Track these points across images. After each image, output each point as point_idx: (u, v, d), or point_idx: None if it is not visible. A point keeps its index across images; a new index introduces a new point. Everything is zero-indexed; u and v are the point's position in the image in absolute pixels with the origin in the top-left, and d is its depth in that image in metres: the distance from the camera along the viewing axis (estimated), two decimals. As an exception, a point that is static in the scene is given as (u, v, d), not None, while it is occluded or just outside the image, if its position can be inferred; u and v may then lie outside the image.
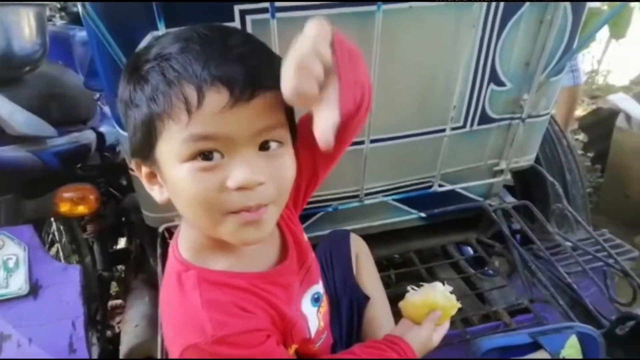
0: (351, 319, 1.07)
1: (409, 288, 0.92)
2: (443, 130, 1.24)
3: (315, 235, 1.24)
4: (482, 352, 1.04)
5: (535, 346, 1.03)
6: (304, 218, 1.27)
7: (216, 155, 0.58)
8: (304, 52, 0.51)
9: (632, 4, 2.00)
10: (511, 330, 1.24)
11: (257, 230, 0.63)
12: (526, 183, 1.64)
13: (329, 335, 0.95)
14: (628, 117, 2.52)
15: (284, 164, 0.64)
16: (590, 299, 1.21)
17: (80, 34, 2.06)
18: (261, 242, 0.69)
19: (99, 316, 1.54)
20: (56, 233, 1.69)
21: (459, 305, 0.90)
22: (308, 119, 0.70)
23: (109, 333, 1.70)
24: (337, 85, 0.55)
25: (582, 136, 3.00)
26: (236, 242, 0.65)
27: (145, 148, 0.62)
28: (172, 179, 0.61)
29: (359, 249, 1.18)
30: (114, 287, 1.96)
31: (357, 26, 1.01)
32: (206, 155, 0.58)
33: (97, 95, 2.02)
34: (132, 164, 0.69)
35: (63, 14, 2.37)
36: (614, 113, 2.59)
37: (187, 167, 0.58)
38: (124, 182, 1.80)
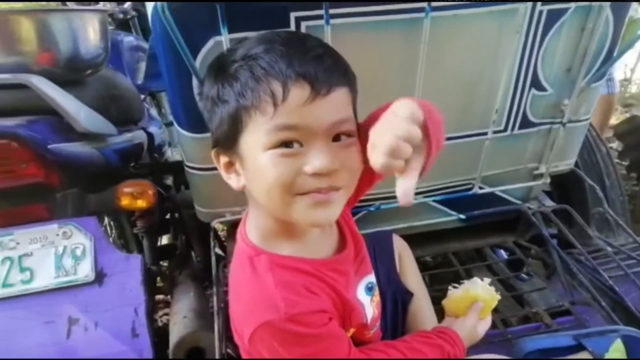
0: (395, 313, 1.11)
1: (450, 287, 0.97)
2: (485, 134, 1.27)
3: (358, 233, 1.28)
4: (525, 353, 1.06)
5: (578, 349, 1.05)
6: (347, 217, 1.31)
7: (296, 145, 0.65)
8: (398, 134, 0.56)
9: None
10: (552, 331, 1.25)
11: (326, 210, 0.69)
12: (564, 187, 1.65)
13: (379, 326, 0.98)
14: (664, 125, 2.50)
15: (353, 153, 0.70)
16: (632, 302, 1.21)
17: (127, 39, 2.18)
18: (329, 223, 0.78)
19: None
20: (107, 228, 1.77)
21: (499, 296, 0.94)
22: (368, 119, 0.77)
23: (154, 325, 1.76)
24: (421, 157, 0.60)
25: (616, 144, 2.97)
26: (306, 222, 0.71)
27: (230, 139, 0.69)
28: (255, 165, 0.68)
29: (401, 248, 1.22)
30: (157, 282, 2.03)
31: (405, 31, 1.06)
32: (287, 144, 0.65)
33: (143, 97, 2.13)
34: (212, 154, 0.75)
35: (110, 20, 2.49)
36: (649, 121, 2.57)
37: (269, 154, 0.65)
38: (169, 182, 1.88)
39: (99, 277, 1.14)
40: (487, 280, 0.95)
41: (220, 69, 0.69)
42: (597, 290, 1.28)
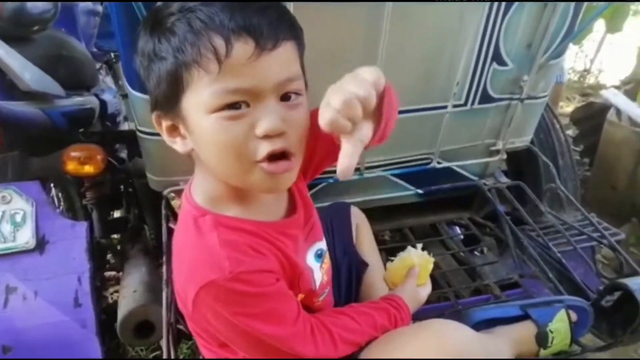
0: (350, 283, 1.12)
1: (388, 262, 1.01)
2: (445, 107, 1.27)
3: (316, 206, 1.27)
4: (473, 323, 1.09)
5: (525, 318, 1.07)
6: (305, 189, 1.30)
7: (243, 105, 0.62)
8: (354, 92, 0.54)
9: None
10: (501, 302, 1.28)
11: (282, 178, 0.67)
12: (518, 164, 1.68)
13: (331, 293, 0.98)
14: (618, 112, 2.58)
15: (301, 112, 0.68)
16: (580, 276, 1.25)
17: (84, 3, 2.06)
18: (283, 190, 0.76)
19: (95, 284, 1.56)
20: (55, 199, 1.69)
21: (432, 259, 0.99)
22: None
23: (102, 303, 1.70)
24: (369, 128, 0.58)
25: (571, 131, 3.07)
26: (262, 190, 0.70)
27: (170, 100, 0.65)
28: (200, 128, 0.64)
29: (358, 219, 1.23)
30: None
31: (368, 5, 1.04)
32: (234, 105, 0.61)
33: (99, 65, 2.03)
34: (153, 118, 0.70)
35: (65, -19, 2.35)
36: (605, 107, 2.65)
37: (215, 117, 0.62)
38: (122, 154, 1.81)
39: (41, 244, 1.08)
40: (419, 245, 1.00)
41: (156, 22, 0.64)
42: (546, 264, 1.32)
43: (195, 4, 0.61)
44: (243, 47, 0.59)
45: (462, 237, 1.72)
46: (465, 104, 1.29)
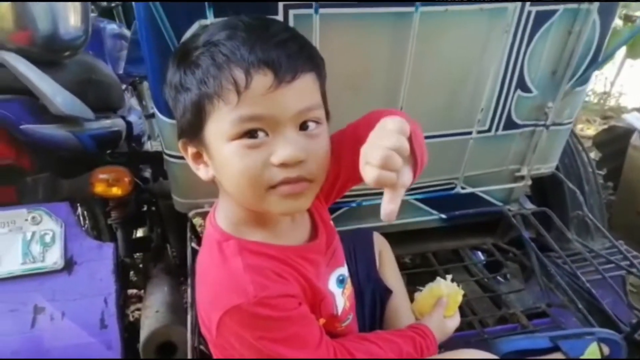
0: (374, 310, 1.11)
1: (416, 292, 1.01)
2: (469, 133, 1.26)
3: (338, 230, 1.26)
4: (502, 353, 1.06)
5: (554, 350, 1.05)
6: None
7: (261, 134, 0.64)
8: (389, 145, 0.55)
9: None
10: (529, 332, 1.26)
11: (296, 201, 0.69)
12: (544, 191, 1.66)
13: (355, 319, 0.97)
14: (643, 136, 2.54)
15: (321, 142, 0.69)
16: (609, 306, 1.22)
17: (110, 26, 2.12)
18: (299, 212, 0.78)
19: (120, 302, 1.56)
20: (80, 218, 1.71)
21: (462, 291, 0.98)
22: (358, 122, 0.79)
23: (125, 321, 1.71)
24: (409, 172, 0.60)
25: (593, 154, 3.02)
26: (278, 212, 0.71)
27: (194, 128, 0.68)
28: (220, 156, 0.66)
29: (381, 246, 1.22)
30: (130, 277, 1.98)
31: (394, 25, 1.05)
32: (252, 134, 0.64)
33: (124, 87, 2.08)
34: (179, 145, 0.74)
35: (92, 7, 2.43)
36: (628, 131, 2.61)
37: (234, 145, 0.64)
38: (146, 173, 1.84)
39: (69, 264, 1.10)
40: (449, 277, 0.99)
41: (183, 55, 0.68)
42: (574, 293, 1.29)
43: (219, 38, 0.64)
44: (262, 79, 0.62)
45: (484, 263, 1.69)
46: (489, 130, 1.29)
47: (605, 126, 3.40)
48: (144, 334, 1.26)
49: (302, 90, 0.65)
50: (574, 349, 1.03)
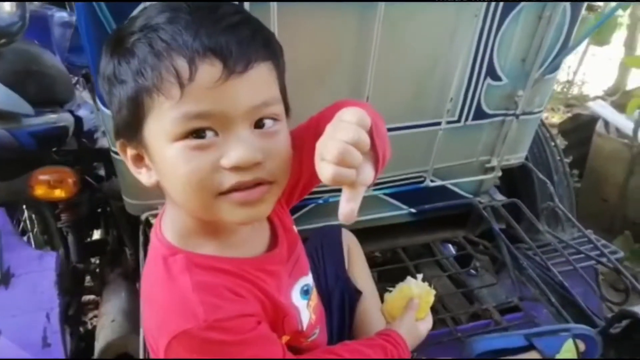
0: (343, 313, 1.05)
1: (386, 293, 0.94)
2: (438, 124, 1.21)
3: (305, 228, 1.21)
4: (476, 354, 1.03)
5: (530, 348, 1.01)
6: (293, 210, 1.23)
7: (209, 134, 0.55)
8: (346, 139, 0.49)
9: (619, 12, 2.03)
10: (502, 329, 1.23)
11: (254, 208, 0.61)
12: (512, 182, 1.63)
13: (324, 331, 0.91)
14: (607, 123, 2.58)
15: (280, 141, 0.62)
16: (580, 297, 1.20)
17: (59, 14, 1.98)
18: (258, 221, 0.69)
19: (72, 311, 1.46)
20: (27, 221, 1.59)
21: (434, 291, 0.93)
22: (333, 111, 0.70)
23: (81, 330, 1.62)
24: (369, 168, 0.54)
25: (559, 141, 3.06)
26: (232, 222, 0.62)
27: (132, 127, 0.59)
28: (162, 159, 0.58)
29: (350, 242, 1.16)
30: (87, 282, 1.88)
31: (359, 11, 0.98)
32: (199, 133, 0.55)
33: (75, 79, 1.95)
34: (116, 146, 0.64)
35: (39, -7, 2.27)
36: (593, 119, 2.65)
37: (178, 147, 0.56)
38: (101, 172, 1.73)
39: (5, 277, 0.99)
40: (420, 276, 0.94)
41: (117, 42, 0.58)
42: (546, 286, 1.27)
43: (158, 22, 0.55)
44: (209, 69, 0.53)
45: (455, 256, 1.66)
46: (459, 121, 1.24)
47: (569, 114, 3.45)
48: (99, 345, 1.19)
49: (257, 82, 0.57)
50: (550, 347, 1.00)
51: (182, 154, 0.55)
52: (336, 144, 0.48)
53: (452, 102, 1.18)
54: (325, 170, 0.49)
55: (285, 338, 0.75)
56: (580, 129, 2.70)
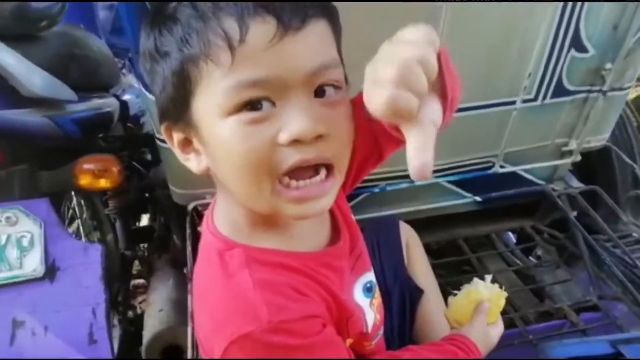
0: (403, 315, 0.98)
1: (450, 297, 0.85)
2: (512, 103, 1.09)
3: (357, 220, 1.12)
4: (553, 360, 0.93)
5: (615, 356, 0.91)
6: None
7: (265, 104, 0.48)
8: (407, 57, 0.38)
9: None
10: (579, 331, 1.11)
11: (315, 202, 0.53)
12: (589, 167, 1.47)
13: (383, 334, 0.83)
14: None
15: (343, 112, 0.53)
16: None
17: (104, -4, 1.95)
18: (320, 215, 0.60)
19: (121, 297, 1.46)
20: (77, 208, 1.59)
21: (505, 294, 0.83)
22: None
23: (130, 314, 1.62)
24: (437, 105, 0.43)
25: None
26: (291, 216, 0.55)
27: (178, 105, 0.52)
28: (214, 138, 0.51)
29: (409, 237, 1.08)
30: (136, 266, 1.89)
31: None
32: (254, 104, 0.48)
33: (122, 63, 1.92)
34: (161, 131, 0.57)
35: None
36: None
37: (232, 122, 0.49)
38: (148, 157, 1.70)
39: (50, 271, 0.96)
40: (489, 277, 0.84)
41: (157, 12, 0.51)
42: (630, 283, 1.14)
43: None
44: (261, 29, 0.46)
45: (522, 249, 1.53)
46: (535, 99, 1.11)
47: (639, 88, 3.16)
48: (147, 335, 1.17)
49: (315, 42, 0.49)
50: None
51: (237, 130, 0.48)
52: (397, 61, 0.38)
53: (530, 78, 1.04)
54: (379, 94, 0.39)
55: (348, 341, 0.68)
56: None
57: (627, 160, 1.29)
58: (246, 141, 0.49)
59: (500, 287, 0.84)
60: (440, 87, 0.43)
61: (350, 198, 1.21)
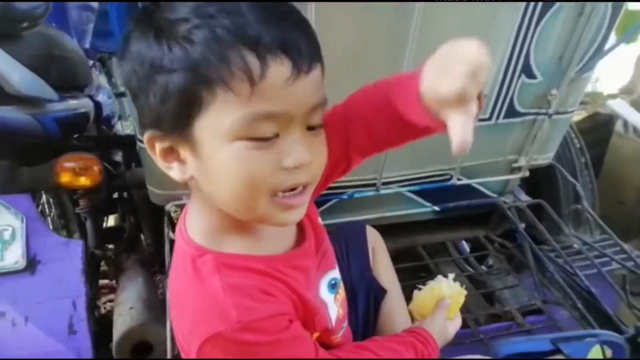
0: (367, 312, 1.04)
1: (415, 290, 0.94)
2: (470, 121, 1.19)
3: (327, 224, 1.19)
4: (502, 357, 1.02)
5: (555, 353, 1.00)
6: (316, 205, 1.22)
7: (273, 135, 0.54)
8: (482, 60, 0.48)
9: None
10: (525, 331, 1.21)
11: (297, 211, 0.61)
12: (535, 182, 1.61)
13: (348, 327, 0.90)
14: (626, 123, 2.54)
15: (323, 142, 0.62)
16: (606, 302, 1.18)
17: (75, -4, 1.95)
18: (295, 222, 0.68)
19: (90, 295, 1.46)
20: (46, 206, 1.59)
21: (465, 292, 0.92)
22: (353, 101, 0.71)
23: (95, 314, 1.62)
24: (475, 102, 0.52)
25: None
26: (274, 224, 0.62)
27: (179, 120, 0.54)
28: (217, 156, 0.55)
29: (375, 241, 1.14)
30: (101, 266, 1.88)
31: (397, 5, 0.96)
32: (264, 135, 0.54)
33: (91, 62, 1.92)
34: (144, 138, 0.59)
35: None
36: (611, 119, 2.60)
37: (239, 145, 0.53)
38: (118, 158, 1.71)
39: (31, 264, 0.98)
40: (451, 276, 0.93)
41: (163, 27, 0.53)
42: (570, 289, 1.25)
43: (216, 10, 0.51)
44: (280, 69, 0.51)
45: (474, 256, 1.64)
46: (490, 119, 1.21)
47: (583, 112, 3.41)
48: (117, 333, 1.18)
49: (315, 83, 0.56)
50: (577, 352, 0.99)
51: (243, 153, 0.53)
52: (470, 60, 0.48)
53: (485, 100, 1.15)
54: (455, 82, 0.48)
55: (315, 335, 0.74)
56: (598, 129, 2.64)
57: (570, 177, 1.43)
58: (251, 164, 0.54)
59: (462, 286, 0.93)
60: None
61: (320, 204, 1.28)
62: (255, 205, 0.58)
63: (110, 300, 1.87)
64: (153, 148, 0.59)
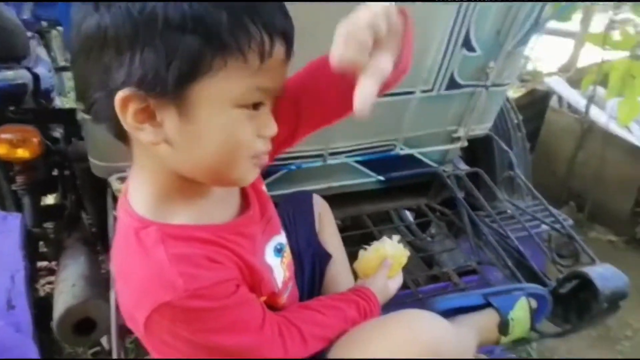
0: (313, 276, 1.07)
1: (360, 250, 0.99)
2: (412, 93, 1.23)
3: (276, 194, 1.21)
4: (437, 312, 1.08)
5: (487, 306, 1.08)
6: (264, 176, 1.23)
7: (262, 107, 0.61)
8: (358, 23, 0.50)
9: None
10: (460, 290, 1.29)
11: (256, 172, 0.66)
12: (473, 151, 1.69)
13: (295, 288, 0.93)
14: (560, 99, 2.69)
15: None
16: (535, 261, 1.28)
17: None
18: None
19: (28, 275, 1.42)
20: (-22, 183, 1.50)
21: (408, 252, 0.98)
22: (305, 74, 0.74)
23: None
24: (387, 60, 0.53)
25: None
26: (240, 183, 0.70)
27: (178, 81, 0.53)
28: (214, 121, 0.57)
29: (321, 208, 1.17)
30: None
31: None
32: (257, 105, 0.60)
33: (30, 34, 1.82)
34: (118, 96, 0.54)
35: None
36: (548, 95, 2.75)
37: (237, 112, 0.58)
38: (56, 133, 1.64)
39: (-35, 239, 0.94)
40: (396, 237, 0.98)
41: None
42: (502, 250, 1.33)
43: None
44: (280, 51, 0.58)
45: (416, 223, 1.72)
46: (432, 90, 1.26)
47: (524, 89, 3.57)
48: (58, 310, 1.14)
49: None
50: (505, 304, 1.07)
51: (239, 120, 0.58)
52: (346, 24, 0.49)
53: (427, 72, 1.19)
54: (334, 52, 0.50)
55: (262, 299, 0.75)
56: (535, 104, 2.79)
57: (505, 147, 1.51)
58: (243, 130, 0.59)
59: (405, 247, 0.98)
60: (394, 49, 0.54)
61: (268, 174, 1.30)
62: (236, 166, 0.62)
63: (50, 283, 1.81)
64: (125, 107, 0.55)
